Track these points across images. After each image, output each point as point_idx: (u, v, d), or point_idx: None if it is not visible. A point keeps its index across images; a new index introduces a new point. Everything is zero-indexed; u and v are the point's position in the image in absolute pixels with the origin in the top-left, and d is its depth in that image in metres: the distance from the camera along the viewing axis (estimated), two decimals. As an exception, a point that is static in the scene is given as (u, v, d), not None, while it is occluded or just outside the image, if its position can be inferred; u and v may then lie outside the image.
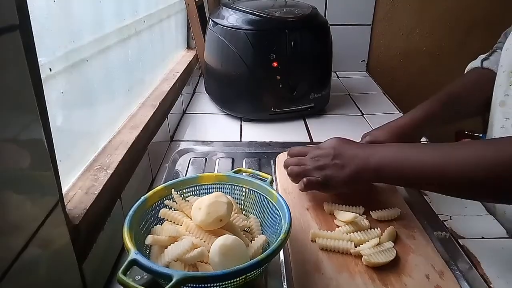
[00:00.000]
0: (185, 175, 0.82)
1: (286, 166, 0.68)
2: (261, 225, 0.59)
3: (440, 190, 0.57)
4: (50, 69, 0.50)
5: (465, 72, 0.82)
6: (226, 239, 0.49)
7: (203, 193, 0.61)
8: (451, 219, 0.67)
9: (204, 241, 0.51)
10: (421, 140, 0.75)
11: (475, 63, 0.79)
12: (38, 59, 0.40)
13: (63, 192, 0.50)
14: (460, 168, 0.51)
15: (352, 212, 0.63)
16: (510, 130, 0.66)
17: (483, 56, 0.80)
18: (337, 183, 0.62)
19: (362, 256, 0.55)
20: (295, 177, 0.66)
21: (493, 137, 0.69)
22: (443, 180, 0.54)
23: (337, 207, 0.65)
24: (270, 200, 0.58)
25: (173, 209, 0.57)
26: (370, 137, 0.72)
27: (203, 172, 0.83)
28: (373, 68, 1.57)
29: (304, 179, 0.63)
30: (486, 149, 0.51)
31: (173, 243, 0.50)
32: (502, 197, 0.52)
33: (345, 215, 0.62)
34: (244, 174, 0.64)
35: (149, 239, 0.51)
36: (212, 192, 0.59)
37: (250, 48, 0.97)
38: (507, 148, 0.48)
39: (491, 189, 0.50)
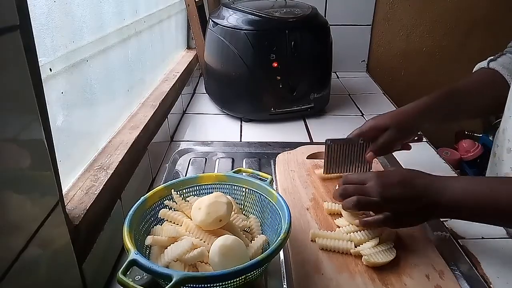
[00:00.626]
0: (185, 175, 0.83)
1: (343, 195, 0.60)
2: (261, 225, 0.59)
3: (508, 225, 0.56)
4: (50, 69, 0.50)
5: (473, 71, 0.82)
6: (226, 239, 0.49)
7: (203, 193, 0.61)
8: (451, 219, 0.67)
9: (204, 241, 0.51)
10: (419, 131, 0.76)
11: (483, 64, 0.79)
12: (39, 59, 0.40)
13: (63, 192, 0.50)
14: None
15: (352, 215, 0.63)
16: None
17: (491, 57, 0.79)
18: (411, 218, 0.57)
19: (362, 256, 0.55)
20: (360, 209, 0.58)
21: (507, 140, 0.68)
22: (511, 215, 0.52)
23: (338, 208, 0.65)
24: (270, 200, 0.58)
25: (173, 209, 0.57)
26: (372, 121, 0.72)
27: (203, 172, 0.83)
28: (373, 68, 1.57)
29: (381, 216, 0.57)
30: None
31: (173, 243, 0.50)
32: None
33: (352, 217, 0.62)
34: (244, 174, 0.64)
35: (149, 240, 0.51)
36: (212, 192, 0.59)
37: (250, 49, 0.97)
38: None
39: None
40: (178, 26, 1.27)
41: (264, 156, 0.89)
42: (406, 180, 0.56)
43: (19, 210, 0.36)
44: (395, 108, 1.17)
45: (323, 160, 0.74)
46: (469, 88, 0.76)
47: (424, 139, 0.96)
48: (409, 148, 0.75)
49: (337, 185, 0.64)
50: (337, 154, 0.74)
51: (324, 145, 0.73)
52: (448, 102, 0.73)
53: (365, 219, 0.59)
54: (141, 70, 0.89)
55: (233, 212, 0.57)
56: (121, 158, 0.63)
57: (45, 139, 0.39)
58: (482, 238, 0.63)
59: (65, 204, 0.49)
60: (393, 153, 0.82)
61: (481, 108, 0.77)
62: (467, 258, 0.58)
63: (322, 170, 0.75)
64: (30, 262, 0.37)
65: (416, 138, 0.76)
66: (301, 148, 0.87)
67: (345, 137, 0.74)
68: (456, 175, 0.82)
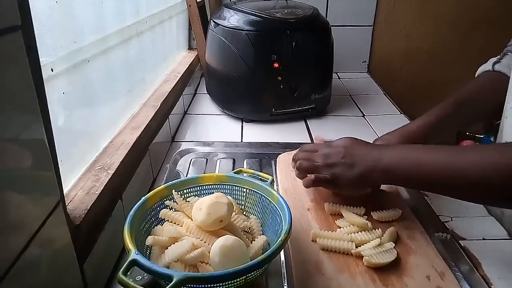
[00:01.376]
0: (186, 176, 0.83)
1: (295, 160, 0.68)
2: (261, 226, 0.59)
3: (447, 193, 0.57)
4: (52, 70, 0.50)
5: (476, 75, 0.81)
6: (227, 239, 0.49)
7: (204, 193, 0.61)
8: (452, 220, 0.67)
9: (205, 242, 0.51)
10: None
11: (487, 66, 0.78)
12: (40, 60, 0.40)
13: (64, 192, 0.50)
14: (469, 172, 0.51)
15: (354, 213, 0.63)
16: None
17: (494, 59, 0.79)
18: (346, 182, 0.61)
19: (363, 256, 0.55)
20: (303, 171, 0.66)
21: (504, 141, 0.68)
22: (451, 182, 0.53)
23: (339, 208, 0.65)
24: (271, 200, 0.58)
25: (173, 209, 0.57)
26: (381, 141, 0.71)
27: (204, 173, 0.83)
28: (374, 69, 1.57)
29: (313, 175, 0.64)
30: (496, 152, 0.51)
31: (174, 243, 0.50)
32: (507, 202, 0.52)
33: (354, 218, 0.62)
34: (244, 174, 0.64)
35: (149, 240, 0.51)
36: (212, 193, 0.59)
37: (251, 49, 0.98)
38: None
39: (499, 193, 0.50)
40: (179, 26, 1.27)
41: (265, 157, 0.89)
42: (348, 148, 0.62)
43: (20, 210, 0.36)
44: (396, 109, 1.17)
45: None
46: (476, 93, 0.74)
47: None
48: None
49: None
50: None
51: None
52: (459, 113, 0.72)
53: (305, 178, 0.65)
54: (142, 71, 0.89)
55: (233, 213, 0.57)
56: (122, 158, 0.63)
57: (46, 139, 0.39)
58: (483, 239, 0.62)
59: (66, 204, 0.49)
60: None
61: (490, 112, 0.76)
62: (468, 259, 0.58)
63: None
64: (31, 262, 0.37)
65: None
66: (302, 148, 0.87)
67: None
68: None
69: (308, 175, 0.66)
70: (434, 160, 0.55)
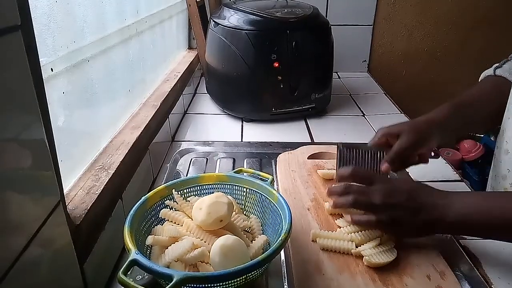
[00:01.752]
0: (186, 175, 0.83)
1: (345, 191, 0.59)
2: (261, 225, 0.59)
3: None
4: (52, 69, 0.50)
5: (479, 80, 0.81)
6: (227, 239, 0.49)
7: (204, 193, 0.61)
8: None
9: (205, 241, 0.51)
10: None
11: (488, 72, 0.78)
12: (40, 59, 0.40)
13: (64, 192, 0.50)
14: None
15: (355, 214, 0.63)
16: None
17: (497, 64, 0.79)
18: (407, 228, 0.56)
19: (363, 256, 0.55)
20: (357, 207, 0.59)
21: (505, 142, 0.68)
22: None
23: (339, 209, 0.65)
24: (271, 200, 0.58)
25: (173, 209, 0.57)
26: (384, 128, 0.69)
27: (204, 172, 0.83)
28: (374, 68, 1.57)
29: (373, 217, 0.56)
30: None
31: (174, 243, 0.50)
32: None
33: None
34: (245, 174, 0.64)
35: (149, 240, 0.51)
36: (212, 192, 0.59)
37: (251, 49, 0.97)
38: None
39: None
40: (179, 26, 1.27)
41: (265, 156, 0.89)
42: (413, 191, 0.56)
43: (20, 210, 0.36)
44: (396, 109, 1.17)
45: (324, 160, 0.74)
46: (477, 97, 0.74)
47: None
48: (426, 161, 0.70)
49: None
50: (349, 161, 0.68)
51: (328, 147, 0.71)
52: (459, 113, 0.71)
53: (358, 216, 0.58)
54: (142, 70, 0.89)
55: (234, 212, 0.57)
56: (122, 158, 0.63)
57: (46, 139, 0.39)
58: (483, 239, 0.62)
59: (66, 204, 0.49)
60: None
61: (491, 116, 0.75)
62: (468, 259, 0.58)
63: (324, 170, 0.75)
64: (31, 262, 0.37)
65: (433, 154, 0.72)
66: (302, 148, 0.87)
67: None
68: (457, 175, 0.81)
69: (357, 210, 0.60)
70: (506, 211, 0.52)
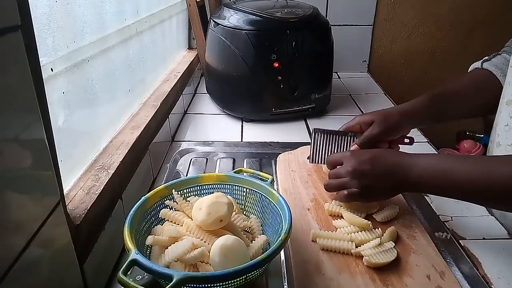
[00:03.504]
0: (186, 175, 0.83)
1: (329, 185, 0.66)
2: (261, 225, 0.59)
3: (477, 202, 0.59)
4: (52, 69, 0.50)
5: (468, 71, 0.82)
6: (227, 239, 0.49)
7: (204, 193, 0.61)
8: (452, 220, 0.67)
9: (205, 241, 0.51)
10: (409, 131, 0.77)
11: (476, 64, 0.80)
12: (40, 59, 0.40)
13: (64, 192, 0.50)
14: (498, 181, 0.51)
15: (355, 215, 0.63)
16: None
17: (486, 57, 0.80)
18: (378, 193, 0.61)
19: (363, 256, 0.55)
20: (334, 190, 0.65)
21: (497, 135, 0.69)
22: (479, 192, 0.54)
23: (339, 209, 0.65)
24: (271, 200, 0.58)
25: (173, 209, 0.57)
26: (359, 116, 0.75)
27: (204, 172, 0.83)
28: (374, 68, 1.57)
29: (345, 191, 0.62)
30: None
31: (174, 243, 0.50)
32: None
33: (354, 218, 0.62)
34: (244, 174, 0.64)
35: (149, 240, 0.51)
36: (212, 192, 0.59)
37: (251, 49, 0.97)
38: None
39: None
40: (179, 26, 1.27)
41: (265, 156, 0.89)
42: (376, 158, 0.61)
43: (20, 210, 0.36)
44: (396, 109, 1.17)
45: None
46: (458, 90, 0.77)
47: (425, 139, 0.95)
48: (397, 147, 0.76)
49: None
50: (323, 145, 0.75)
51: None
52: (435, 105, 0.75)
53: (338, 194, 0.64)
54: (142, 70, 0.89)
55: (233, 212, 0.57)
56: (122, 158, 0.63)
57: (46, 139, 0.39)
58: (483, 238, 0.62)
59: (66, 204, 0.49)
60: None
61: (474, 109, 0.78)
62: (468, 259, 0.58)
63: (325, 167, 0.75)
64: (31, 261, 0.37)
65: (407, 141, 0.77)
66: (302, 148, 0.87)
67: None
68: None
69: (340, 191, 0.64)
70: (462, 172, 0.55)
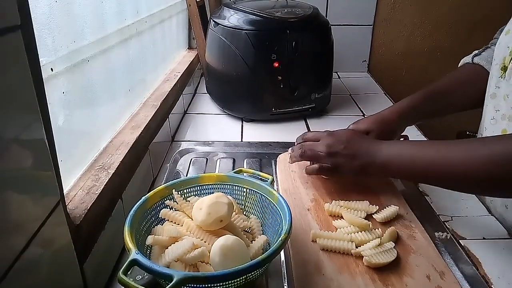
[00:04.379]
0: (186, 175, 0.83)
1: (299, 147, 0.70)
2: (261, 226, 0.59)
3: (440, 185, 0.61)
4: (52, 69, 0.50)
5: (458, 66, 0.83)
6: (227, 239, 0.49)
7: (204, 193, 0.61)
8: (452, 220, 0.67)
9: (205, 242, 0.51)
10: (404, 130, 0.79)
11: (467, 59, 0.81)
12: (40, 59, 0.40)
13: (64, 192, 0.50)
14: (458, 165, 0.55)
15: (355, 216, 0.63)
16: (499, 121, 0.68)
17: (476, 51, 0.81)
18: (346, 172, 0.66)
19: (363, 256, 0.55)
20: (306, 159, 0.70)
21: (484, 128, 0.72)
22: (442, 176, 0.58)
23: (339, 209, 0.65)
24: (271, 200, 0.58)
25: (174, 209, 0.57)
26: (354, 125, 0.76)
27: (204, 172, 0.83)
28: (374, 68, 1.57)
29: (316, 164, 0.68)
30: (480, 147, 0.54)
31: (174, 243, 0.50)
32: (494, 192, 0.57)
33: (354, 218, 0.61)
34: (245, 174, 0.64)
35: (149, 239, 0.51)
36: (213, 193, 0.59)
37: (251, 49, 0.97)
38: (499, 147, 0.51)
39: (486, 184, 0.54)
40: (179, 26, 1.27)
41: (265, 156, 0.89)
42: (349, 140, 0.67)
43: (20, 210, 0.36)
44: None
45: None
46: (450, 85, 0.79)
47: (425, 139, 0.95)
48: None
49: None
50: None
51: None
52: (429, 102, 0.77)
53: (307, 166, 0.70)
54: (142, 70, 0.89)
55: (234, 213, 0.57)
56: (122, 158, 0.63)
57: (46, 139, 0.39)
58: (484, 238, 0.62)
59: (66, 204, 0.49)
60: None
61: (467, 103, 0.80)
62: (468, 259, 0.58)
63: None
64: (31, 261, 0.37)
65: (402, 139, 0.78)
66: (302, 148, 0.87)
67: None
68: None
69: (310, 163, 0.70)
70: (426, 155, 0.59)
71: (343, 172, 0.66)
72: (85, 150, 0.62)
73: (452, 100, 0.79)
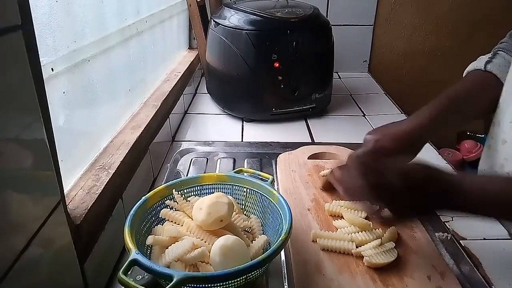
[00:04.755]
0: (187, 175, 0.83)
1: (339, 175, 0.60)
2: (262, 226, 0.59)
3: None
4: (52, 69, 0.50)
5: (465, 72, 0.81)
6: (227, 239, 0.49)
7: (204, 193, 0.61)
8: (452, 220, 0.67)
9: (205, 242, 0.51)
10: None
11: (478, 65, 0.78)
12: (40, 59, 0.40)
13: (65, 192, 0.50)
14: None
15: (355, 216, 0.62)
16: None
17: (484, 57, 0.79)
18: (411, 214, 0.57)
19: (363, 256, 0.55)
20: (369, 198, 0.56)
21: (502, 132, 0.68)
22: None
23: (339, 209, 0.65)
24: (271, 200, 0.58)
25: (174, 209, 0.57)
26: (375, 144, 0.63)
27: (204, 172, 0.83)
28: (375, 68, 1.57)
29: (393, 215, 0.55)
30: None
31: (174, 243, 0.50)
32: None
33: (355, 218, 0.61)
34: (245, 174, 0.64)
35: (150, 239, 0.51)
36: (213, 192, 0.59)
37: (251, 49, 0.97)
38: None
39: None
40: (179, 26, 1.27)
41: (265, 156, 0.89)
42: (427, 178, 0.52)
43: (20, 210, 0.36)
44: (396, 109, 1.17)
45: (324, 160, 0.73)
46: (470, 94, 0.74)
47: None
48: None
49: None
50: None
51: (328, 147, 0.72)
52: (450, 112, 0.70)
53: (380, 217, 0.57)
54: (142, 70, 0.89)
55: (234, 212, 0.57)
56: (122, 158, 0.63)
57: (46, 138, 0.39)
58: (484, 239, 0.62)
59: (67, 204, 0.49)
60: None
61: (480, 112, 0.76)
62: (468, 259, 0.58)
63: (327, 171, 0.75)
64: (32, 261, 0.37)
65: None
66: (303, 148, 0.87)
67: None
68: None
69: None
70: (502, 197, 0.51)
71: (406, 215, 0.56)
72: (86, 150, 0.62)
73: (472, 108, 0.74)
